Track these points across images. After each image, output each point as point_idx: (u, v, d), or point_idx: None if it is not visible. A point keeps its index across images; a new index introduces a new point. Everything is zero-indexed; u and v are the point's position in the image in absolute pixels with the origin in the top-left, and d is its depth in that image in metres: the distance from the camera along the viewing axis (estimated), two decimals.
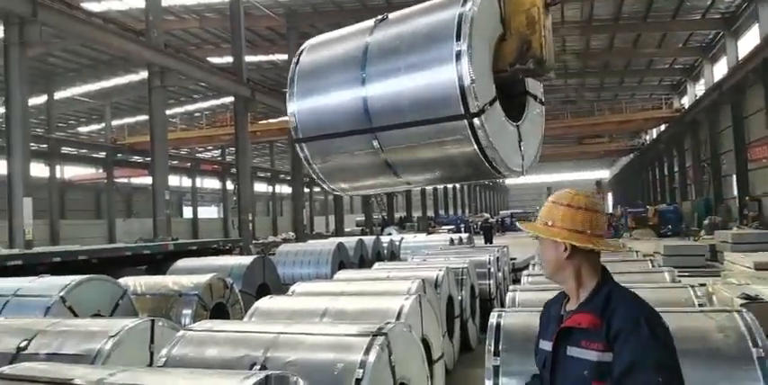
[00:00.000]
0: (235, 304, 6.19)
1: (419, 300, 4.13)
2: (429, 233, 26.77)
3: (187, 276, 6.23)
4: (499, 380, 2.69)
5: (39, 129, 29.02)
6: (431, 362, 3.94)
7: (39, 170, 25.81)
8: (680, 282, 5.03)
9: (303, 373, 2.53)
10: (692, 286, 4.25)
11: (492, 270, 8.13)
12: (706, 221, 23.20)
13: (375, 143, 2.63)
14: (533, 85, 2.91)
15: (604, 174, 68.16)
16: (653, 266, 6.19)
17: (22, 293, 4.92)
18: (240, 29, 20.39)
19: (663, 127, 36.89)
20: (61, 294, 4.71)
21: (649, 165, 44.81)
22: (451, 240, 14.67)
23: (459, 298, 6.50)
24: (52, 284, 5.01)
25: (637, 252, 8.07)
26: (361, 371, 2.65)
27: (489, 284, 7.97)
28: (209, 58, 25.40)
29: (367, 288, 5.13)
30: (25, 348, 3.06)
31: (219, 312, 5.93)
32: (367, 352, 2.79)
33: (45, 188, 26.94)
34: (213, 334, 3.15)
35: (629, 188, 54.89)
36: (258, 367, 2.70)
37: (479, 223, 34.64)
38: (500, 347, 2.84)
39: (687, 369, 1.58)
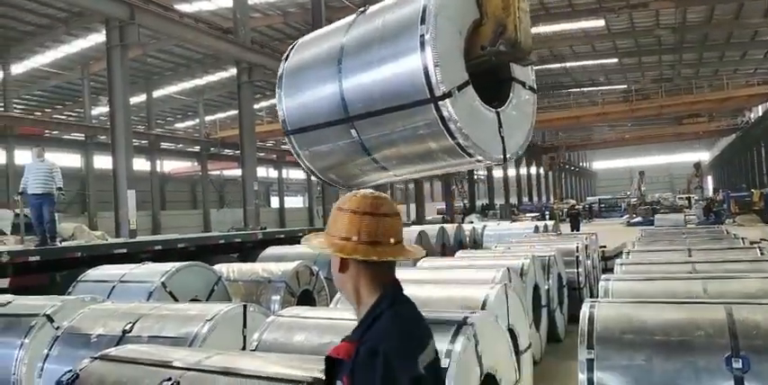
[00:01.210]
0: (321, 291, 6.34)
1: (505, 289, 4.03)
2: (512, 221, 26.20)
3: (275, 264, 6.45)
4: (594, 374, 2.56)
5: (140, 127, 31.06)
6: (518, 353, 3.84)
7: (140, 164, 27.68)
8: None
9: None
10: None
11: (580, 258, 7.82)
12: None
13: (353, 132, 2.73)
14: (522, 72, 2.89)
15: (704, 156, 63.61)
16: (761, 254, 5.70)
17: (126, 279, 5.29)
18: (321, 21, 20.68)
19: None
20: (162, 280, 5.02)
21: (754, 145, 41.25)
22: (536, 228, 14.28)
23: (546, 287, 6.30)
24: (154, 271, 5.35)
25: (743, 239, 7.47)
26: (448, 360, 2.62)
27: (577, 273, 7.68)
28: None
29: (451, 276, 5.09)
30: (130, 331, 3.28)
31: (306, 299, 6.10)
32: (453, 341, 2.75)
33: (147, 181, 28.88)
34: (301, 320, 3.23)
35: (732, 170, 50.91)
36: None
37: (565, 210, 33.46)
38: (594, 339, 2.70)
39: None
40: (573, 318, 6.78)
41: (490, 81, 2.80)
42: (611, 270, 6.64)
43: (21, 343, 3.64)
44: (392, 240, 1.45)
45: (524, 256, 6.05)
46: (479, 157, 2.61)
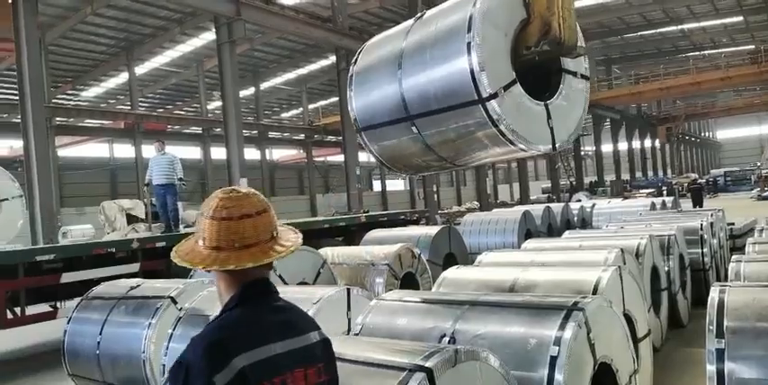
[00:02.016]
0: (423, 273, 6.33)
1: (619, 272, 3.78)
2: (625, 198, 24.72)
3: (378, 246, 6.53)
4: (724, 365, 2.32)
5: (249, 118, 32.73)
6: (636, 340, 3.60)
7: (251, 154, 29.22)
8: None
9: (493, 347, 2.46)
10: None
11: (705, 237, 7.18)
12: None
13: (414, 129, 3.03)
14: (573, 62, 3.03)
15: None
16: None
17: None
18: (417, 3, 20.48)
19: None
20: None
21: None
22: (653, 205, 13.34)
23: (666, 269, 5.86)
24: None
25: None
26: (557, 348, 2.49)
27: (702, 253, 7.07)
28: None
29: (558, 258, 4.86)
30: None
31: (409, 281, 6.12)
32: (562, 327, 2.61)
33: (258, 169, 30.48)
34: (403, 304, 3.23)
35: None
36: (447, 339, 2.70)
37: (686, 185, 30.99)
38: (724, 328, 2.45)
39: None
40: (697, 302, 6.27)
41: (543, 72, 3.01)
42: (740, 249, 6.04)
43: (149, 323, 3.97)
44: (236, 245, 1.42)
45: (640, 236, 5.65)
46: (527, 148, 2.84)
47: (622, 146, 42.76)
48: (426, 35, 2.95)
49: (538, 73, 2.95)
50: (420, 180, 24.07)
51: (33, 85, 10.42)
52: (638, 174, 45.42)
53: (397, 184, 46.24)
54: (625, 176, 41.90)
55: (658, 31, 33.62)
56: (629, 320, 3.65)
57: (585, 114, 3.15)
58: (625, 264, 4.49)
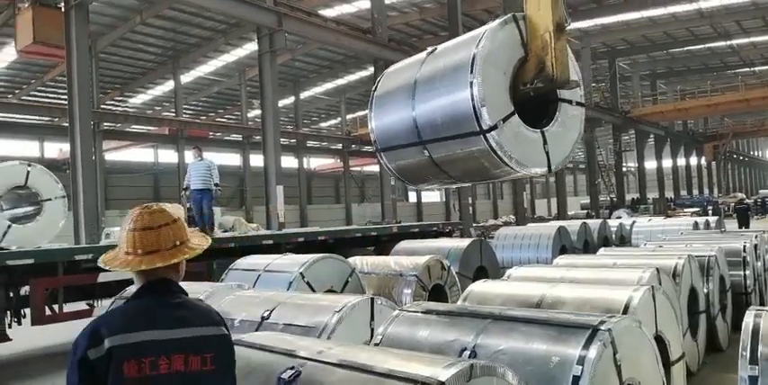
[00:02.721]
0: (452, 286, 6.26)
1: (652, 292, 3.66)
2: (667, 216, 23.99)
3: (408, 257, 6.50)
4: None
5: (289, 127, 33.22)
6: (668, 364, 3.46)
7: (289, 162, 29.61)
8: None
9: (514, 363, 2.41)
10: None
11: (748, 259, 6.90)
12: None
13: (426, 152, 3.39)
14: (569, 92, 3.32)
15: None
16: None
17: (270, 269, 5.65)
18: (457, 14, 20.44)
19: None
20: (301, 271, 5.28)
21: None
22: (695, 224, 12.90)
23: (705, 290, 5.65)
24: (295, 261, 5.65)
25: None
26: (580, 367, 2.42)
27: (744, 276, 6.79)
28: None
29: (590, 276, 4.74)
30: (268, 318, 3.48)
31: (438, 293, 6.06)
32: (587, 346, 2.54)
33: (295, 177, 30.84)
34: (425, 315, 3.19)
35: None
36: (468, 353, 2.65)
37: (732, 204, 29.90)
38: (758, 354, 2.34)
39: None
40: (738, 326, 6.01)
41: (542, 100, 3.31)
42: None
43: None
44: (139, 251, 1.70)
45: (679, 256, 5.46)
46: (524, 172, 3.15)
47: (666, 163, 41.61)
48: (436, 69, 3.30)
49: (537, 101, 3.27)
50: (455, 192, 23.89)
51: (82, 91, 10.84)
52: (683, 193, 44.07)
53: (432, 196, 46.01)
54: (669, 194, 40.72)
55: (706, 45, 32.76)
56: (662, 342, 3.52)
57: (580, 137, 3.45)
58: (660, 284, 4.34)
